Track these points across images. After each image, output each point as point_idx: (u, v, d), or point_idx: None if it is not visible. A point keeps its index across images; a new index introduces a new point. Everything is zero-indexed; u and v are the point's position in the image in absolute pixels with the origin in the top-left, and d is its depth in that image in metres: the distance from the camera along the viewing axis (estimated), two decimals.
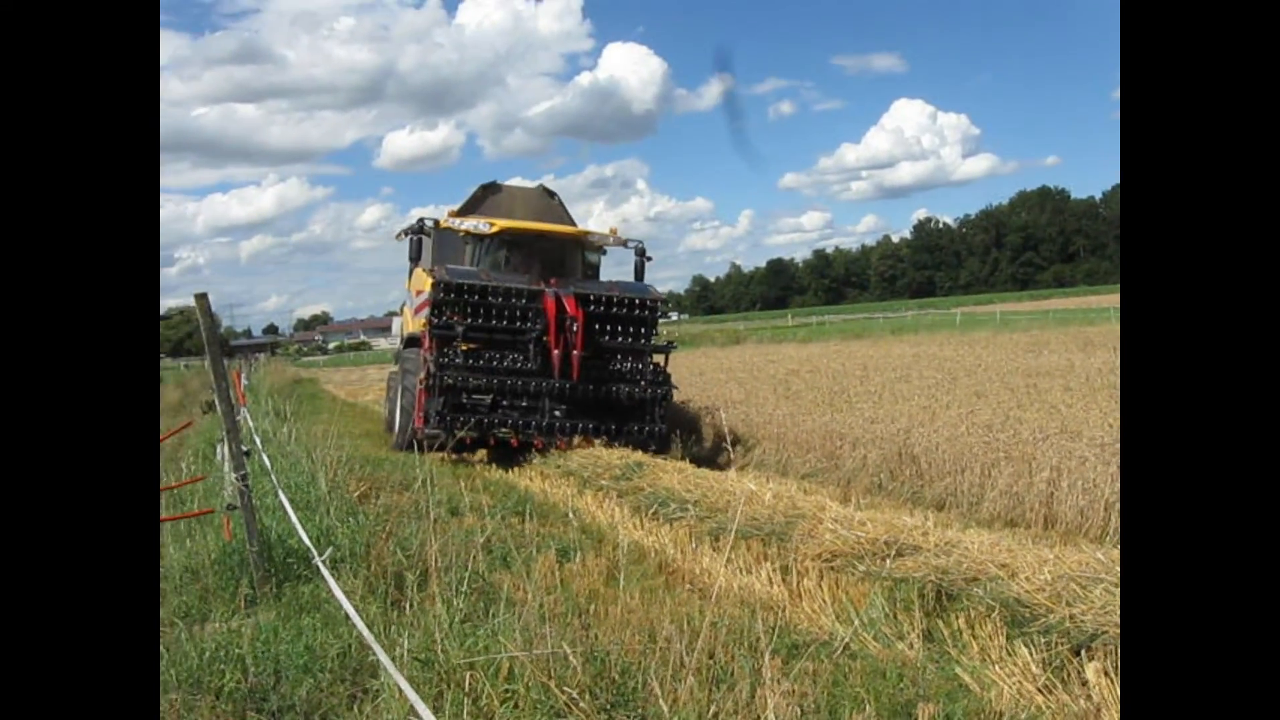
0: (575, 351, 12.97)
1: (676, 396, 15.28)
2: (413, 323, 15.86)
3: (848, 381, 19.00)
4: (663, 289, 16.62)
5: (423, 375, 12.96)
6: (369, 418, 21.94)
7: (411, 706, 3.00)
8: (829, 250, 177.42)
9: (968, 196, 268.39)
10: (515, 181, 17.38)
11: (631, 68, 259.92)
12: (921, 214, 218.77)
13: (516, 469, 12.60)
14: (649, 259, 16.08)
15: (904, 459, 11.45)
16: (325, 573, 4.98)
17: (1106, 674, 4.62)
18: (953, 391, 15.91)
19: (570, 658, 3.42)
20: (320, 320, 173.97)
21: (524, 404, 13.09)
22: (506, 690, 3.51)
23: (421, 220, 15.26)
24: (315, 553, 5.05)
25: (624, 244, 15.72)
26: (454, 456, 12.99)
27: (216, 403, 5.78)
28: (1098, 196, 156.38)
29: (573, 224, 16.48)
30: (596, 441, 12.82)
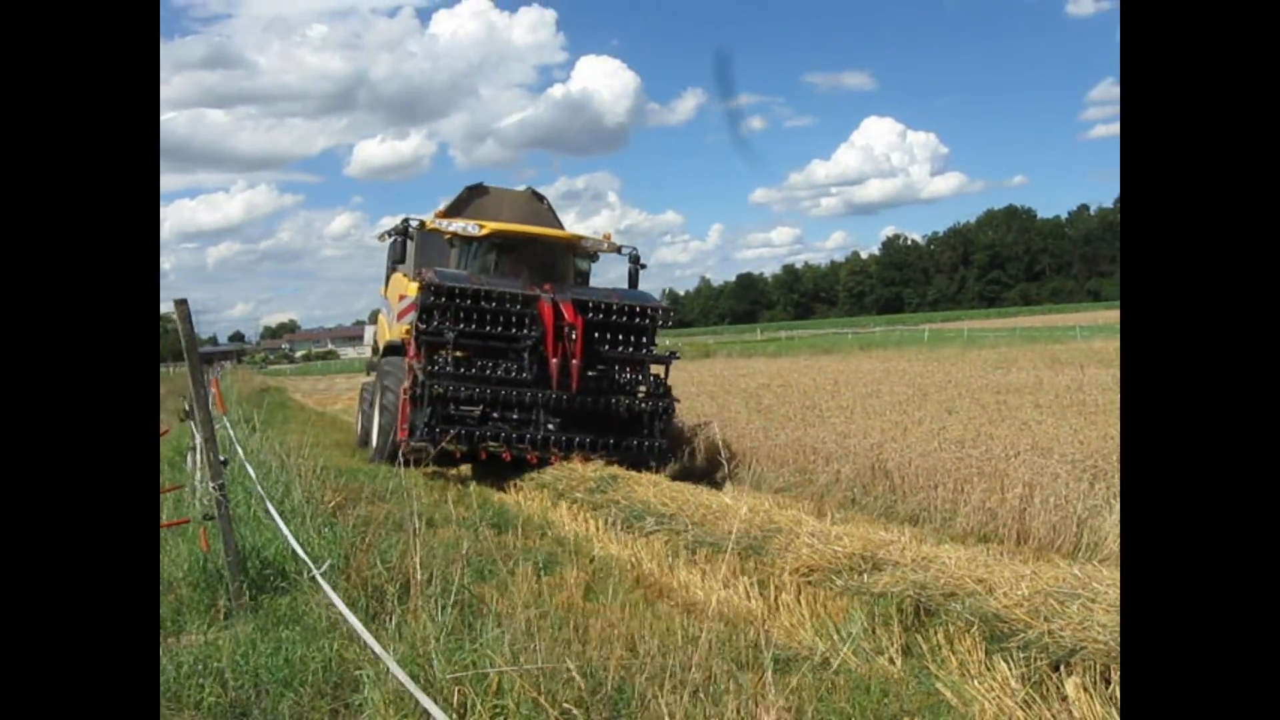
0: (574, 360, 12.13)
1: None
2: (394, 329, 15.23)
3: (819, 396, 19.05)
4: None
5: (407, 384, 12.20)
6: (339, 428, 21.78)
7: None
8: (798, 265, 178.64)
9: (936, 214, 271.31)
10: (503, 184, 16.74)
11: (604, 81, 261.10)
12: (890, 231, 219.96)
13: (490, 481, 12.48)
14: (643, 266, 15.58)
15: (877, 474, 11.49)
16: (326, 587, 4.91)
17: (1086, 689, 4.65)
18: (924, 407, 15.99)
19: (573, 674, 3.38)
20: (287, 328, 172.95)
21: (515, 416, 12.29)
22: (496, 706, 3.48)
23: (406, 221, 14.63)
24: (313, 565, 4.97)
25: (618, 250, 15.15)
26: (433, 469, 12.46)
27: (194, 411, 5.71)
28: (1063, 216, 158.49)
29: (563, 229, 15.83)
30: (594, 457, 12.11)
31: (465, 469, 13.09)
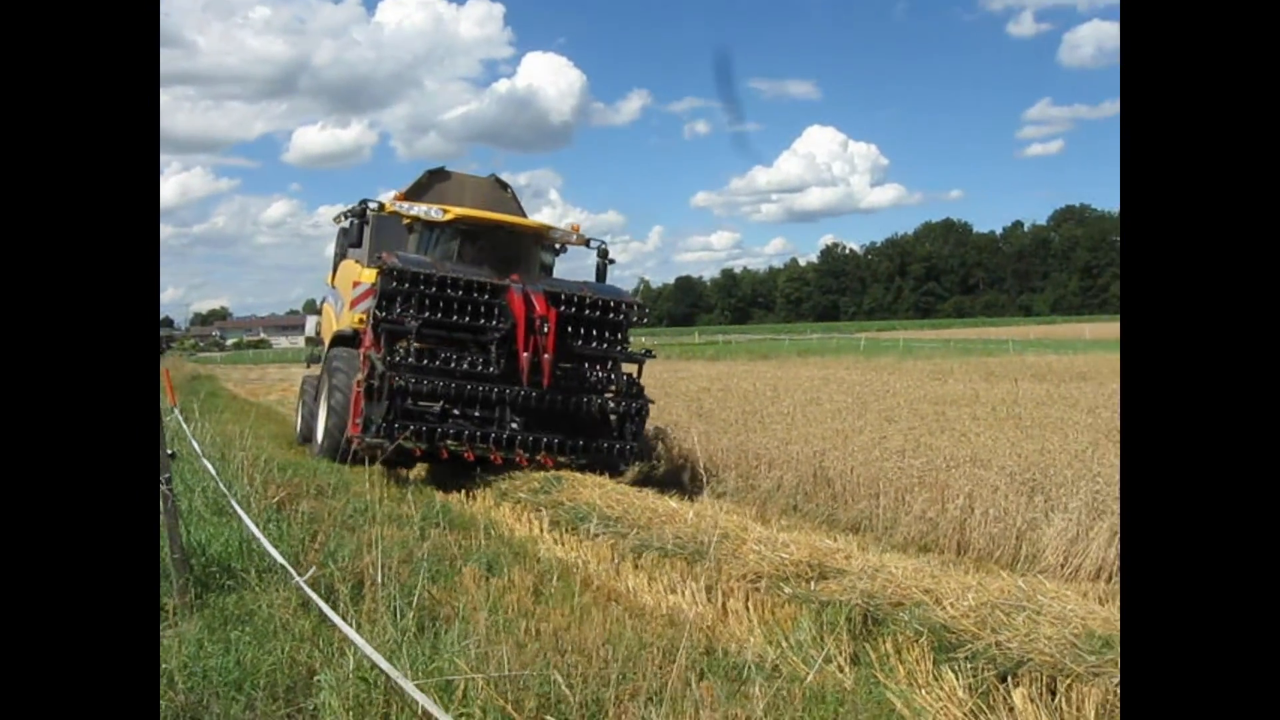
0: (546, 355, 11.35)
1: None
2: (344, 318, 14.50)
3: (759, 402, 19.14)
4: None
5: (361, 376, 11.37)
6: (273, 419, 21.41)
7: None
8: (737, 270, 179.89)
9: (874, 224, 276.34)
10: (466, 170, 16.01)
11: (550, 78, 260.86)
12: (829, 239, 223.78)
13: (431, 478, 12.29)
14: (612, 261, 14.98)
15: (819, 482, 11.58)
16: (318, 600, 4.80)
17: (1033, 700, 4.72)
18: (864, 416, 16.14)
19: (546, 681, 3.34)
20: (219, 315, 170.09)
21: (477, 413, 11.47)
22: (461, 714, 3.43)
23: (364, 203, 13.71)
24: (295, 573, 4.84)
25: (586, 243, 14.47)
26: (378, 468, 11.51)
27: None
28: (998, 231, 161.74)
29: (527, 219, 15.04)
30: (562, 459, 11.49)
31: (407, 466, 12.57)
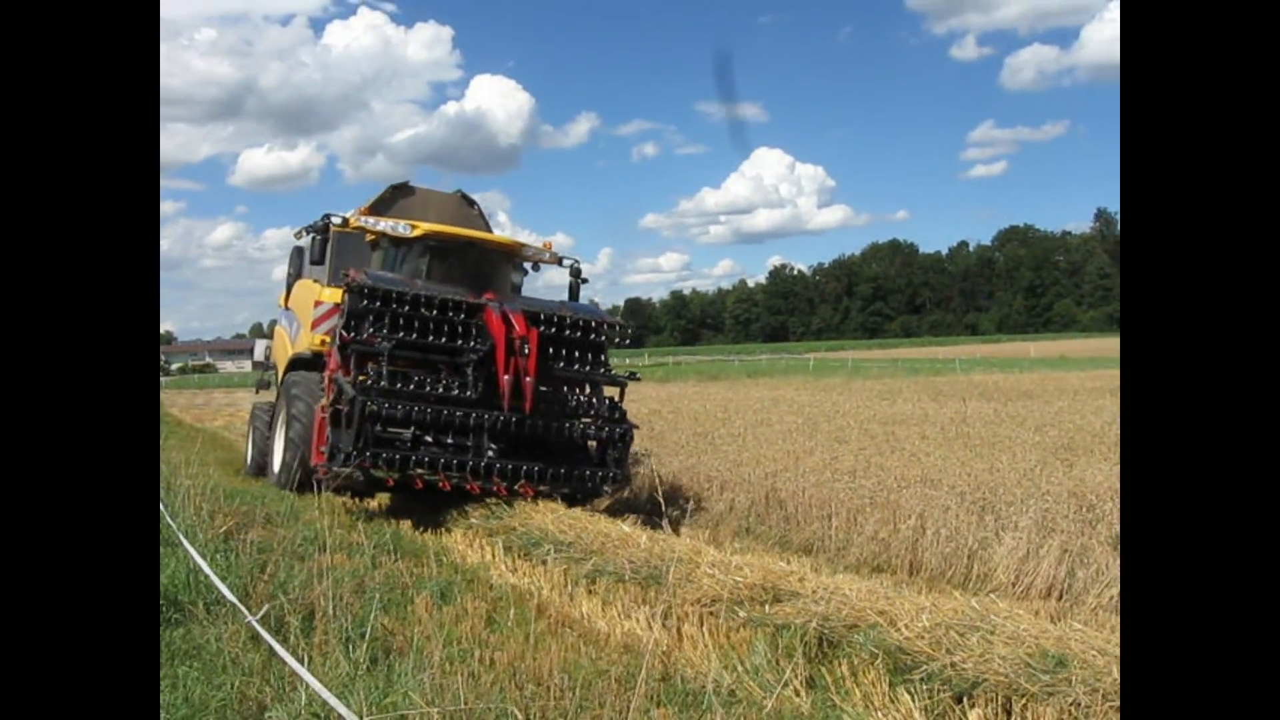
0: (528, 378, 10.50)
1: None
2: (302, 340, 13.83)
3: (710, 424, 19.19)
4: None
5: (325, 402, 10.69)
6: (220, 445, 21.09)
7: None
8: (686, 292, 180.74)
9: (822, 245, 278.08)
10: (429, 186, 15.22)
11: (499, 100, 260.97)
12: (777, 260, 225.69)
13: (379, 505, 12.07)
14: (585, 280, 14.38)
15: (771, 503, 11.60)
16: (269, 638, 4.69)
17: None
18: (814, 437, 16.23)
19: (517, 716, 3.28)
20: (164, 340, 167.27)
21: (450, 440, 10.82)
22: None
23: (327, 218, 13.01)
24: (246, 611, 4.72)
25: (559, 261, 13.85)
26: (348, 498, 11.28)
27: None
28: (944, 251, 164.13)
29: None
30: (542, 488, 10.84)
31: (370, 497, 11.87)
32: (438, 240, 12.42)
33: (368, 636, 4.25)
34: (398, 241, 12.34)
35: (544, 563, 8.43)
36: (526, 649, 5.22)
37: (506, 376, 10.56)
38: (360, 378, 10.33)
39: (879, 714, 5.04)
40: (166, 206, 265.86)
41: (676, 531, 8.03)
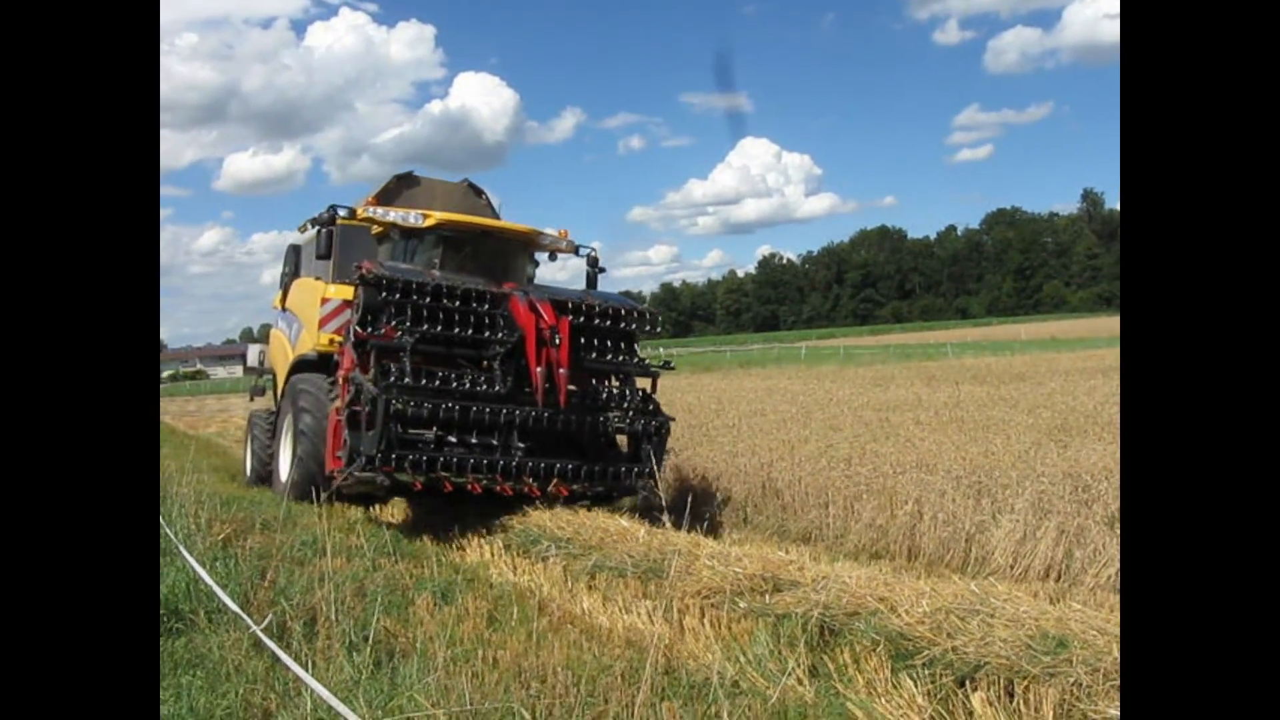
0: (560, 370, 9.86)
1: None
2: (305, 342, 13.07)
3: (703, 415, 19.18)
4: None
5: (340, 403, 10.10)
6: (214, 451, 21.06)
7: None
8: (676, 284, 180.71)
9: (810, 234, 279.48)
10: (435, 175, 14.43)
11: (483, 98, 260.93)
12: (766, 250, 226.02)
13: (376, 505, 11.99)
14: (602, 270, 13.75)
15: (768, 493, 11.63)
16: (272, 645, 4.69)
17: (991, 704, 4.75)
18: (809, 425, 16.24)
19: (524, 715, 3.29)
20: None
21: (474, 439, 10.09)
22: None
23: (333, 209, 12.26)
24: (250, 621, 4.69)
25: (575, 250, 13.21)
26: (359, 505, 10.81)
27: None
28: (932, 236, 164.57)
29: None
30: (575, 487, 10.27)
31: (382, 503, 11.61)
32: (451, 230, 11.81)
33: (370, 640, 4.25)
34: (408, 232, 11.71)
35: (544, 560, 8.45)
36: (529, 647, 5.23)
37: (539, 369, 9.95)
38: (383, 375, 9.66)
39: (882, 700, 5.06)
40: None
41: (676, 526, 8.00)
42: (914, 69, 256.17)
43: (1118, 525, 8.04)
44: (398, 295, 9.81)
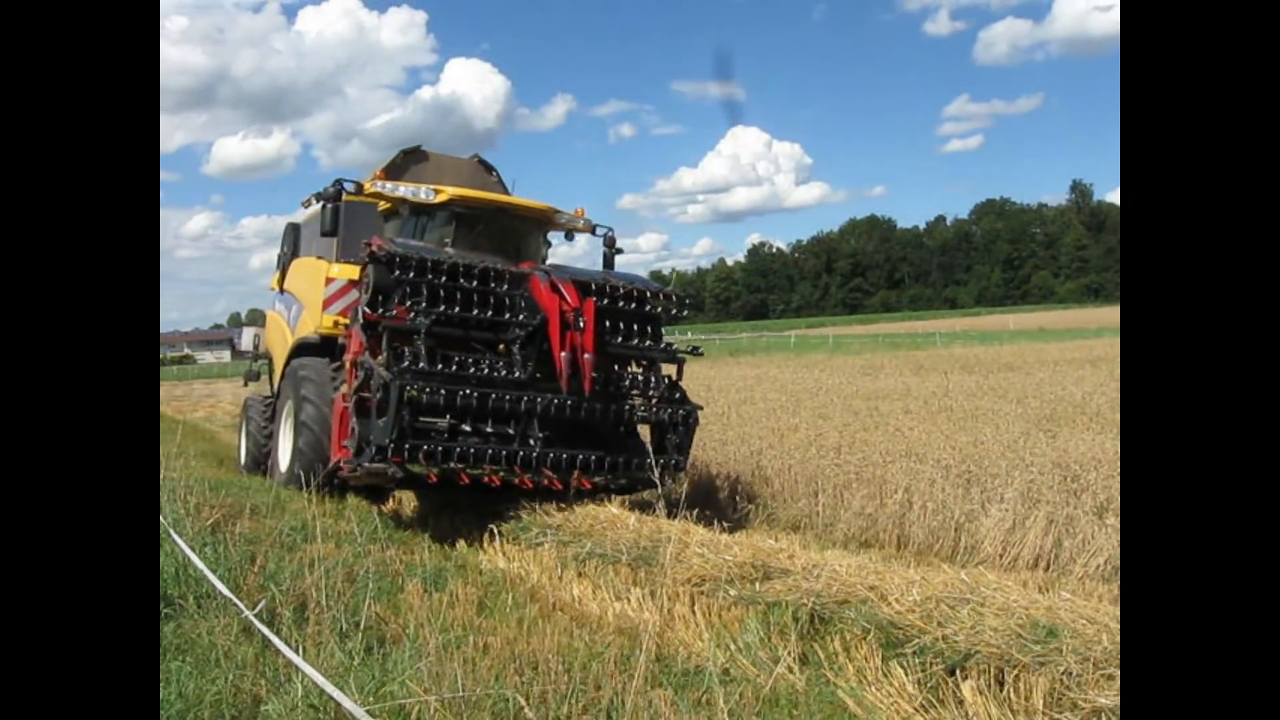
0: (586, 355, 9.30)
1: None
2: (306, 323, 12.38)
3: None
4: None
5: (347, 389, 9.45)
6: (202, 436, 21.01)
7: None
8: (666, 271, 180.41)
9: (800, 222, 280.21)
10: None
11: (474, 84, 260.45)
12: (755, 238, 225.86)
13: (365, 491, 11.91)
14: (619, 250, 13.16)
15: (757, 480, 11.65)
16: (266, 631, 4.67)
17: (981, 692, 4.77)
18: (798, 414, 16.27)
19: (519, 701, 3.28)
20: None
21: (489, 428, 9.50)
22: None
23: (339, 183, 11.38)
24: (243, 607, 4.67)
25: (592, 230, 12.60)
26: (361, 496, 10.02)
27: None
28: (921, 226, 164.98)
29: None
30: (597, 480, 9.80)
31: (389, 494, 11.22)
32: (464, 206, 11.13)
33: (361, 626, 4.24)
34: (419, 209, 11.09)
35: (534, 547, 8.44)
36: (520, 634, 5.23)
37: (564, 353, 9.33)
38: (396, 359, 9.01)
39: (873, 689, 5.08)
40: None
41: (670, 514, 7.92)
42: (904, 59, 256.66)
43: (1107, 515, 8.08)
44: (411, 274, 9.13)
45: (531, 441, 9.40)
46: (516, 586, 7.31)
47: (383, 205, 11.45)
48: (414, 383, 8.75)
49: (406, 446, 8.73)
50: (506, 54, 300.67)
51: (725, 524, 9.99)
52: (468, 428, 9.46)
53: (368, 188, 11.16)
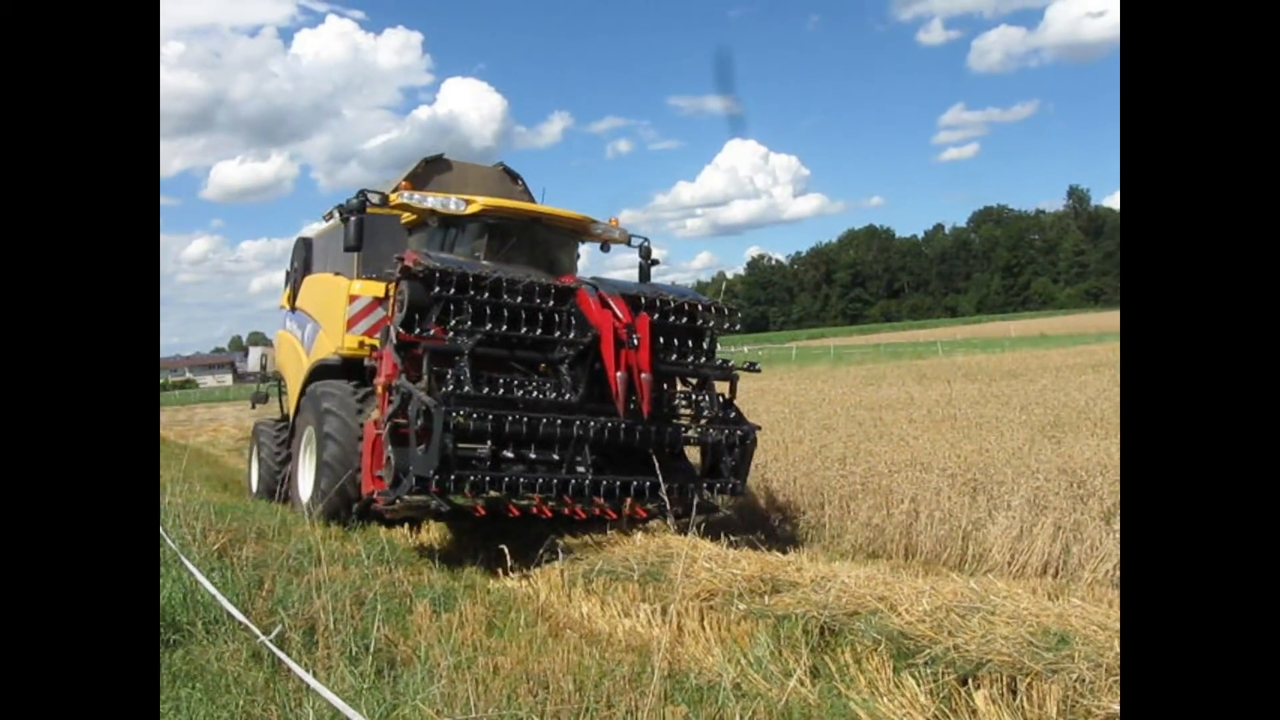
0: (644, 375, 8.61)
1: None
2: (326, 344, 11.74)
3: None
4: None
5: (378, 415, 8.70)
6: (205, 461, 21.01)
7: None
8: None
9: (798, 234, 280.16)
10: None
11: (471, 103, 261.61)
12: (754, 251, 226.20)
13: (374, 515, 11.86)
14: (655, 262, 12.59)
15: (762, 493, 11.63)
16: (283, 655, 4.65)
17: (995, 701, 4.75)
18: (802, 425, 16.23)
19: None
20: None
21: (533, 454, 8.64)
22: None
23: (363, 194, 10.68)
24: (259, 632, 4.65)
25: (628, 241, 11.99)
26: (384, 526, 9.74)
27: None
28: (920, 235, 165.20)
29: None
30: (650, 508, 8.98)
31: (415, 526, 10.82)
32: (496, 216, 10.47)
33: (371, 649, 4.22)
34: (448, 220, 10.42)
35: (540, 564, 8.40)
36: (530, 653, 5.22)
37: (619, 374, 8.63)
38: (439, 383, 8.19)
39: (885, 700, 5.05)
40: None
41: (683, 530, 7.88)
42: (899, 69, 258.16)
43: (1114, 520, 8.06)
44: (452, 290, 8.40)
45: (581, 468, 8.74)
46: (525, 605, 7.28)
47: (407, 217, 10.82)
48: (460, 408, 8.05)
49: (452, 478, 8.00)
50: (502, 73, 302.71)
51: (732, 538, 9.95)
52: (510, 454, 8.68)
53: (393, 199, 10.43)
